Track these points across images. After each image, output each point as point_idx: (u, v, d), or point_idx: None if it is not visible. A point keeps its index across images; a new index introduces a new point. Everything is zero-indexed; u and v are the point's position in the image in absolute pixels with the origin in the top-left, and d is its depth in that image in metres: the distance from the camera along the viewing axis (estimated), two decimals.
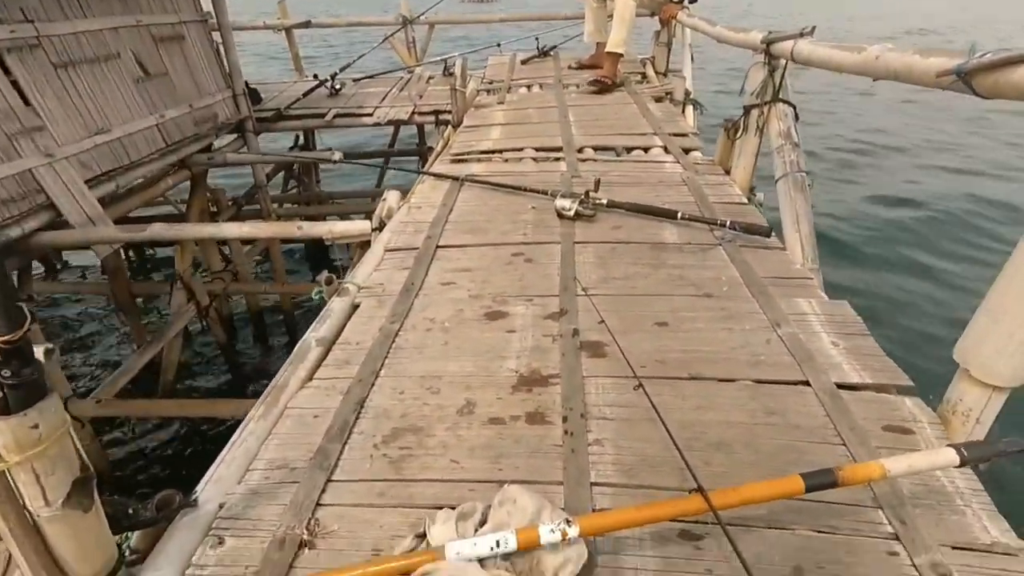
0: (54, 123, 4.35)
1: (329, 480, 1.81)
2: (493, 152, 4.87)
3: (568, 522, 1.42)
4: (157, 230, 4.26)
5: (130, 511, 1.60)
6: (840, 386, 2.07)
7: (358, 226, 3.99)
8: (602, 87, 6.28)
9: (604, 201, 3.50)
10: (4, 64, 4.07)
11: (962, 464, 1.52)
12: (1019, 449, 1.51)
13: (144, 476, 5.24)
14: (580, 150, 4.77)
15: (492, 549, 1.40)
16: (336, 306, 2.82)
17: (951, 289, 7.00)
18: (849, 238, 8.33)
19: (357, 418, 2.06)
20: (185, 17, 5.84)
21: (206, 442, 5.36)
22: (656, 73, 7.04)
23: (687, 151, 4.62)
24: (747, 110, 3.87)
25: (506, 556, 1.41)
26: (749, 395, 2.07)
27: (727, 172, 4.19)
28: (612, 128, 5.26)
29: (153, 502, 1.66)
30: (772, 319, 2.44)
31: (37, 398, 1.24)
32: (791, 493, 1.50)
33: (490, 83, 7.25)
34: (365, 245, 3.79)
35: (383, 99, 7.58)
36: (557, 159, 4.64)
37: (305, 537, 1.62)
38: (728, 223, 3.16)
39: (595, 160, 4.59)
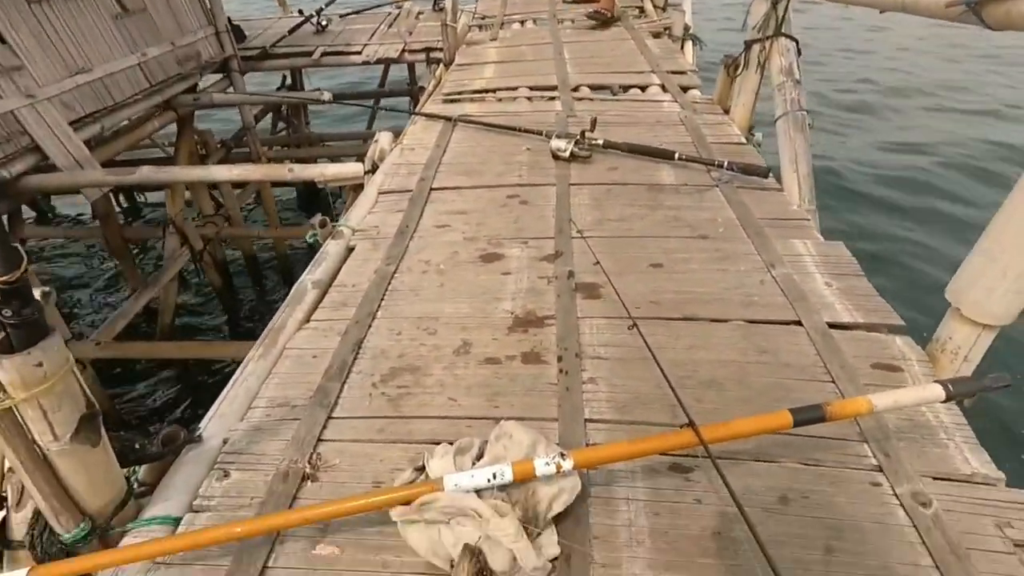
0: (33, 62, 4.19)
1: (330, 417, 1.85)
2: (486, 91, 4.74)
3: (563, 455, 1.46)
4: (146, 173, 4.18)
5: (137, 446, 1.65)
6: (832, 325, 2.10)
7: (350, 168, 3.92)
8: (600, 20, 6.06)
9: (600, 141, 3.43)
10: None
11: (948, 399, 1.56)
12: (1004, 384, 1.54)
13: (146, 416, 5.34)
14: (576, 88, 4.64)
15: (489, 481, 1.44)
16: (331, 249, 2.80)
17: (954, 234, 6.95)
18: (853, 183, 8.22)
19: (355, 358, 2.09)
20: None
21: (201, 387, 5.44)
22: (654, 7, 6.78)
23: (685, 89, 4.50)
24: (748, 45, 3.75)
25: (502, 487, 1.45)
26: (742, 335, 2.10)
27: (726, 111, 4.10)
28: (608, 66, 5.10)
29: (159, 438, 1.71)
30: (767, 260, 2.45)
31: (39, 337, 1.26)
32: (780, 428, 1.54)
33: (482, 18, 6.98)
34: (358, 188, 3.73)
35: (371, 36, 7.30)
36: (552, 98, 4.52)
37: (308, 470, 1.67)
38: (725, 164, 3.11)
39: (591, 99, 4.47)
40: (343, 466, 1.70)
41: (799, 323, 2.12)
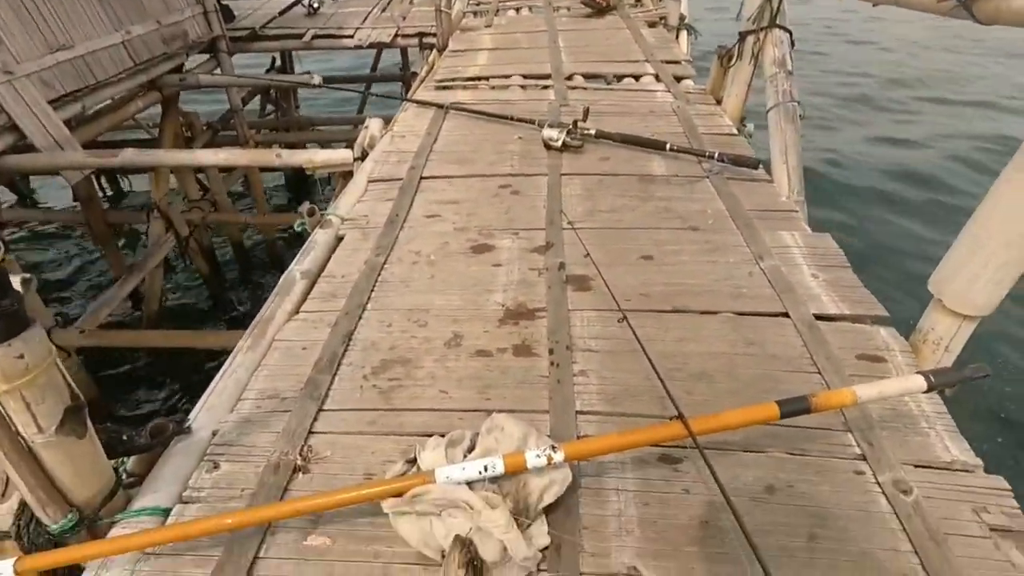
0: (11, 37, 4.08)
1: (320, 409, 1.85)
2: (479, 79, 4.70)
3: (553, 448, 1.47)
4: (129, 156, 4.10)
5: (124, 438, 1.64)
6: (818, 317, 2.13)
7: (339, 155, 3.87)
8: (596, 8, 6.02)
9: (592, 131, 3.42)
10: None
11: (929, 389, 1.59)
12: (984, 375, 1.57)
13: (132, 405, 5.30)
14: (569, 77, 4.61)
15: (480, 473, 1.45)
16: (320, 238, 2.78)
17: (943, 226, 6.97)
18: (844, 177, 8.23)
19: (346, 350, 2.08)
20: None
21: (189, 376, 5.37)
22: None
23: (679, 79, 4.49)
24: (742, 36, 3.74)
25: (494, 480, 1.47)
26: (730, 327, 2.12)
27: (719, 102, 4.10)
28: (603, 55, 5.07)
29: (147, 429, 1.70)
30: (755, 252, 2.47)
31: (20, 328, 1.24)
32: (767, 419, 1.56)
33: (477, 4, 6.90)
34: (347, 175, 3.70)
35: (364, 20, 7.18)
36: (545, 87, 4.49)
37: (299, 462, 1.67)
38: (716, 155, 3.12)
39: (584, 88, 4.45)
40: (334, 458, 1.70)
41: (786, 315, 2.15)
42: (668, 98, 4.15)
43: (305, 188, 8.63)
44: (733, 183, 3.02)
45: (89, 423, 1.46)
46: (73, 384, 1.42)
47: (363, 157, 3.67)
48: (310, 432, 1.77)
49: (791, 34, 3.49)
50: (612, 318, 2.12)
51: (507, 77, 4.66)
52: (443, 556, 1.36)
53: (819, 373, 1.92)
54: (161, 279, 5.63)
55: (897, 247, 6.51)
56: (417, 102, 4.22)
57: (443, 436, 1.61)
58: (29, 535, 1.45)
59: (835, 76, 12.10)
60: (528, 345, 2.07)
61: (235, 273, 7.02)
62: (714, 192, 2.95)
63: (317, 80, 5.50)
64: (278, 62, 8.45)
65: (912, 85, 11.86)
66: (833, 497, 1.56)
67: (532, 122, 3.61)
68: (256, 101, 8.65)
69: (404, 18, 7.22)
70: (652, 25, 5.85)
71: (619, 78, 4.60)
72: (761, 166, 3.12)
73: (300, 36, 6.70)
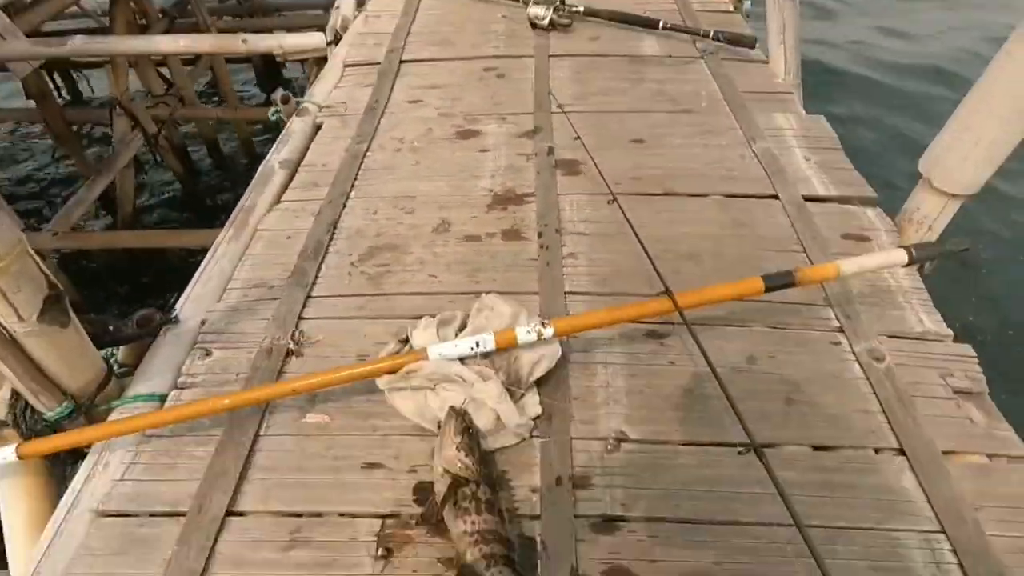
0: None
1: (309, 296, 1.85)
2: None
3: (543, 324, 1.50)
4: (79, 44, 3.78)
5: (111, 328, 1.63)
6: (807, 199, 2.12)
7: (311, 40, 3.60)
8: None
9: (581, 8, 3.21)
10: None
11: (910, 263, 1.62)
12: (963, 248, 1.60)
13: (111, 308, 5.25)
14: None
15: (472, 350, 1.48)
16: (297, 127, 2.66)
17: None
18: (844, 68, 7.87)
19: (331, 238, 2.05)
20: None
21: (168, 277, 5.28)
22: None
23: None
24: None
25: (485, 355, 1.50)
26: (720, 209, 2.11)
27: None
28: None
29: (133, 320, 1.69)
30: (748, 134, 2.41)
31: None
32: (752, 293, 1.59)
33: None
34: (320, 61, 3.47)
35: None
36: None
37: (291, 346, 1.69)
38: (712, 33, 2.96)
39: None
40: (326, 342, 1.72)
41: (776, 196, 2.13)
42: None
43: (278, 84, 8.14)
44: (728, 64, 2.90)
45: (72, 313, 1.44)
46: (49, 273, 1.38)
47: (336, 41, 3.43)
48: (300, 318, 1.78)
49: None
50: (602, 202, 2.09)
51: None
52: (439, 426, 1.41)
53: (804, 252, 1.94)
54: (132, 179, 5.41)
55: (896, 141, 6.38)
56: None
57: (434, 317, 1.63)
58: (26, 422, 1.48)
59: None
60: (517, 229, 2.05)
61: (210, 172, 6.77)
62: (708, 73, 2.83)
63: None
64: None
65: None
66: (810, 366, 1.63)
67: None
68: None
69: None
70: None
71: None
72: (758, 45, 2.98)
73: None
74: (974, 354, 1.63)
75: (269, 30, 6.99)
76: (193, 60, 6.26)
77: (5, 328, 1.33)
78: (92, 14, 6.65)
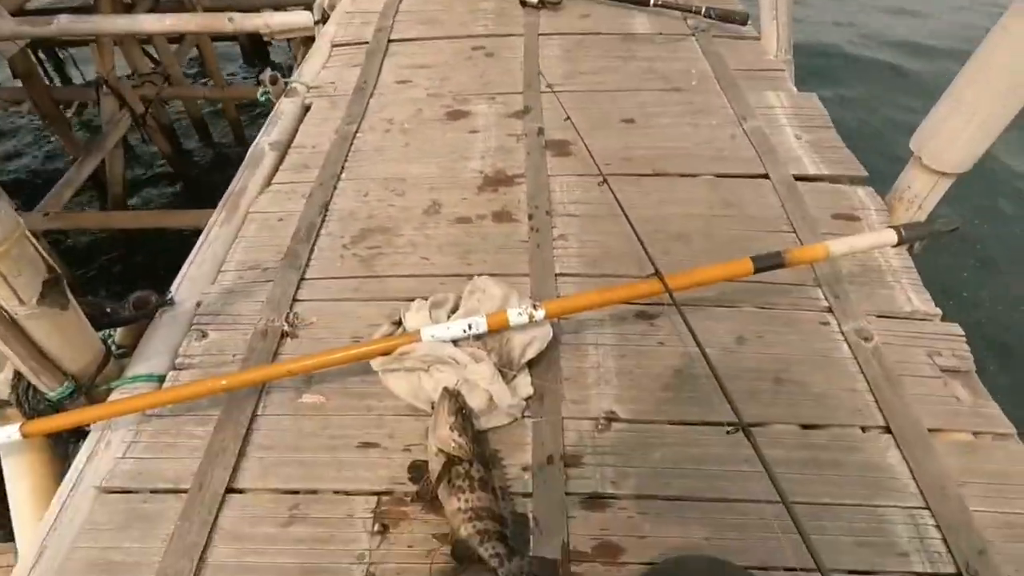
0: None
1: (302, 278, 1.86)
2: None
3: (535, 306, 1.51)
4: (65, 23, 3.72)
5: (108, 310, 1.64)
6: (798, 178, 2.13)
7: (298, 18, 3.55)
8: None
9: None
10: None
11: (900, 243, 1.64)
12: (953, 227, 1.61)
13: (103, 289, 5.23)
14: None
15: (464, 332, 1.50)
16: (286, 108, 2.64)
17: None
18: (845, 48, 7.76)
19: (323, 220, 2.05)
20: None
21: (159, 259, 5.25)
22: None
23: None
24: None
25: (478, 337, 1.52)
26: (710, 189, 2.12)
27: None
28: None
29: (129, 302, 1.70)
30: (739, 113, 2.41)
31: None
32: (741, 274, 1.61)
33: None
34: (308, 40, 3.43)
35: None
36: None
37: (286, 328, 1.71)
38: (703, 10, 2.94)
39: None
40: (320, 324, 1.74)
41: (766, 176, 2.14)
42: None
43: (265, 63, 8.02)
44: (719, 41, 2.88)
45: (71, 295, 1.45)
46: (47, 256, 1.39)
47: (324, 20, 3.38)
48: (294, 300, 1.79)
49: None
50: (592, 183, 2.09)
51: None
52: (432, 407, 1.43)
53: (794, 232, 1.95)
54: (122, 160, 5.34)
55: (897, 121, 6.32)
56: None
57: (426, 299, 1.64)
58: (29, 402, 1.50)
59: None
60: (508, 211, 2.05)
61: (199, 151, 6.70)
62: (699, 51, 2.82)
63: None
64: None
65: None
66: (799, 346, 1.65)
67: None
68: None
69: None
70: None
71: None
72: (750, 22, 2.96)
73: None
74: (962, 333, 1.66)
75: (256, 9, 6.83)
76: (178, 38, 6.15)
77: (7, 311, 1.35)
78: None
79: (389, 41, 2.99)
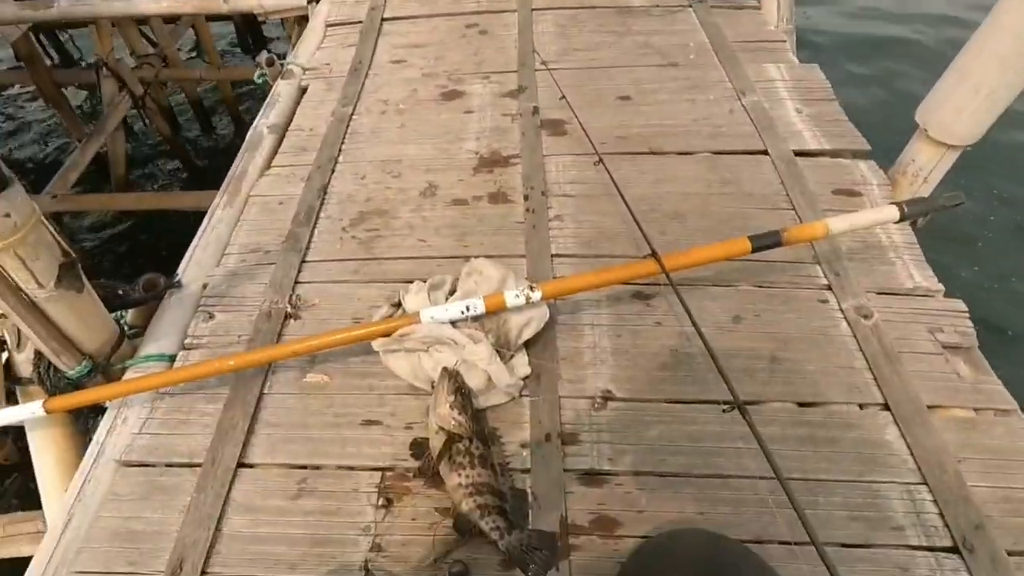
0: None
1: (303, 261, 1.89)
2: None
3: (531, 287, 1.53)
4: (65, 8, 3.76)
5: (120, 292, 1.69)
6: (798, 153, 2.11)
7: None
8: None
9: None
10: None
11: (902, 219, 1.60)
12: (957, 203, 1.57)
13: (110, 270, 5.28)
14: None
15: (463, 313, 1.52)
16: (283, 90, 2.63)
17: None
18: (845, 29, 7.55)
19: (322, 203, 2.07)
20: None
21: (162, 239, 5.28)
22: None
23: None
24: None
25: (476, 318, 1.54)
26: (707, 166, 2.11)
27: None
28: None
29: (139, 284, 1.75)
30: (738, 88, 2.38)
31: (1, 187, 1.23)
32: (738, 254, 1.60)
33: None
34: (302, 19, 3.40)
35: None
36: None
37: (289, 310, 1.74)
38: None
39: None
40: (322, 305, 1.77)
41: (765, 152, 2.13)
42: None
43: (260, 44, 7.93)
44: (717, 12, 2.83)
45: (85, 278, 1.51)
46: (62, 241, 1.44)
47: None
48: (296, 282, 1.82)
49: None
50: (588, 162, 2.09)
51: None
52: (432, 386, 1.46)
53: (794, 209, 1.94)
54: (124, 142, 5.35)
55: (902, 93, 6.18)
56: None
57: (425, 281, 1.66)
58: (50, 380, 1.58)
59: None
60: (503, 192, 2.06)
61: (198, 131, 6.69)
62: (697, 23, 2.77)
63: None
64: None
65: None
66: (796, 323, 1.65)
67: None
68: None
69: None
70: None
71: None
72: None
73: None
74: (965, 309, 1.64)
75: None
76: (174, 19, 6.09)
77: (27, 294, 1.41)
78: None
79: (383, 19, 2.97)
